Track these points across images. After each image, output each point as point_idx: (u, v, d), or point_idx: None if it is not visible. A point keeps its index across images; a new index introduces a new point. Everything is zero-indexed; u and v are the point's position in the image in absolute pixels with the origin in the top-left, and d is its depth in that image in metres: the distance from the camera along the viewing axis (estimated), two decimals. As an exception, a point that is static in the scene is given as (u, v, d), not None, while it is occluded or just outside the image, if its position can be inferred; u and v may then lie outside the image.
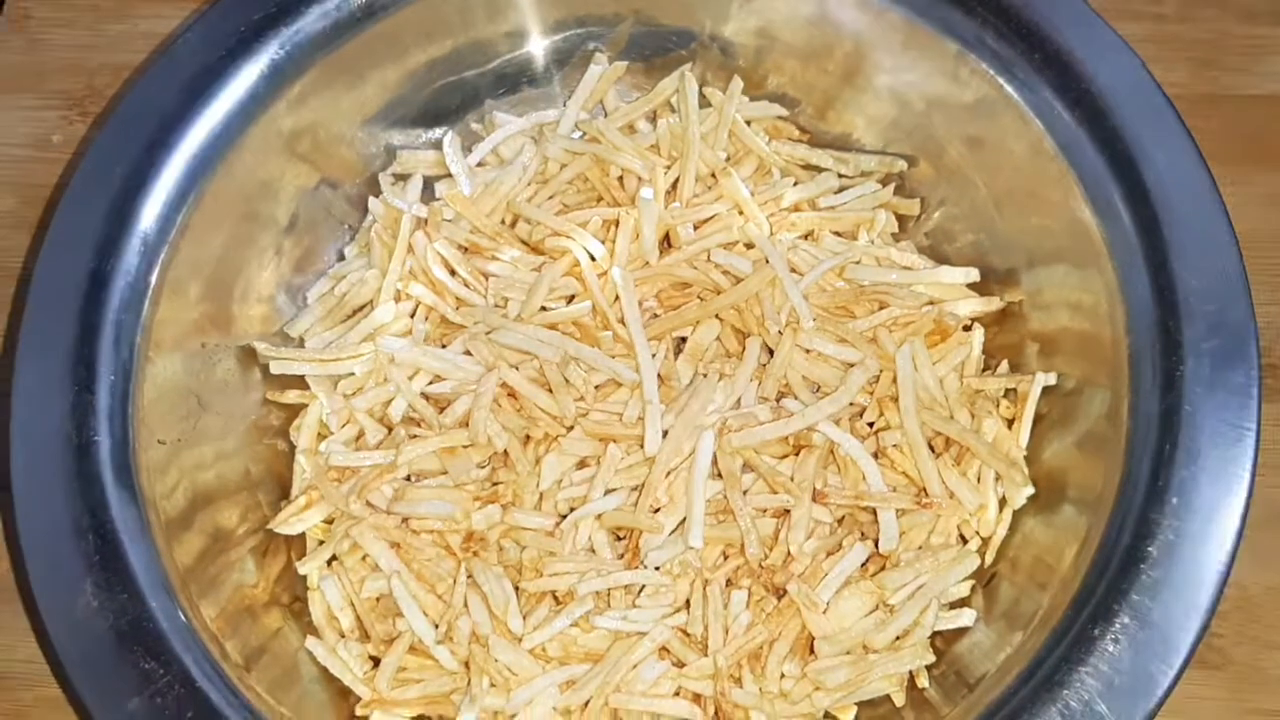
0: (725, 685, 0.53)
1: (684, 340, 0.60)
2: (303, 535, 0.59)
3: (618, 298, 0.59)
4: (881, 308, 0.59)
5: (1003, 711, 0.47)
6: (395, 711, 0.54)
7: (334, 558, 0.58)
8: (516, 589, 0.55)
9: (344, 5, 0.58)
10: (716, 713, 0.53)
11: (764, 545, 0.55)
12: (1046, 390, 0.56)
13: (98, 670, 0.48)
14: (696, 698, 0.54)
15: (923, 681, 0.54)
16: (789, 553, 0.54)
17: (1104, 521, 0.49)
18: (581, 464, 0.57)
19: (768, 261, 0.59)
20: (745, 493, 0.55)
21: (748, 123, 0.64)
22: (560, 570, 0.55)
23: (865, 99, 0.62)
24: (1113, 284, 0.52)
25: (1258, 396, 0.49)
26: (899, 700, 0.53)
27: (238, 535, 0.56)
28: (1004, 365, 0.59)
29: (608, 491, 0.56)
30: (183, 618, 0.50)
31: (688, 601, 0.55)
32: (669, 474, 0.55)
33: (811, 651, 0.54)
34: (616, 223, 0.60)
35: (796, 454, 0.56)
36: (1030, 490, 0.55)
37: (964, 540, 0.57)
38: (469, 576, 0.55)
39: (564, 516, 0.56)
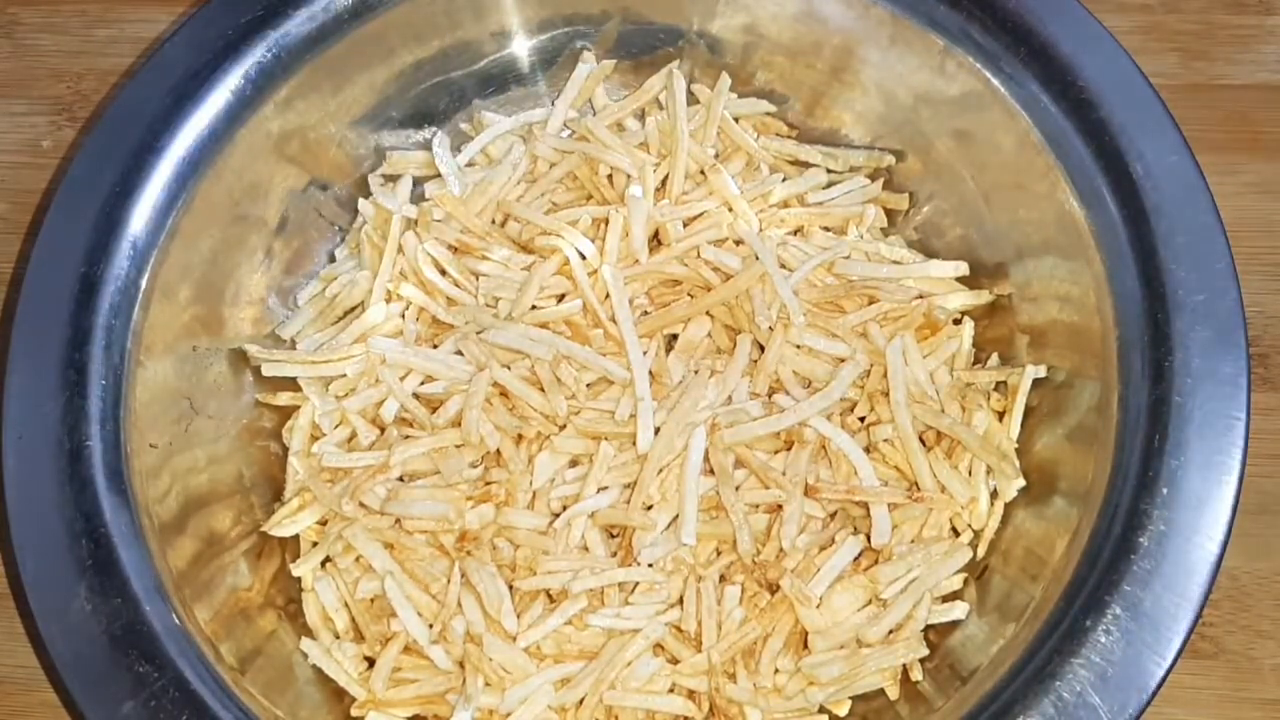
0: (719, 681, 0.53)
1: (675, 337, 0.60)
2: (297, 537, 0.59)
3: (608, 296, 0.59)
4: (871, 303, 0.59)
5: (996, 704, 0.47)
6: (391, 712, 0.54)
7: (328, 559, 0.58)
8: (510, 588, 0.55)
9: (331, 7, 0.58)
10: (711, 709, 0.53)
11: (756, 541, 0.55)
12: (1037, 383, 0.57)
13: (92, 674, 0.48)
14: (691, 694, 0.54)
15: (916, 675, 0.54)
16: (781, 548, 0.54)
17: (1095, 513, 0.50)
18: (574, 462, 0.57)
19: (757, 258, 0.59)
20: (737, 489, 0.55)
21: (736, 120, 0.64)
22: (554, 569, 0.55)
23: (853, 94, 0.62)
24: (1101, 276, 0.52)
25: (1247, 386, 0.49)
26: (893, 694, 0.54)
27: (231, 538, 0.57)
28: (994, 359, 0.59)
29: (600, 489, 0.56)
30: (177, 621, 0.50)
31: (681, 599, 0.55)
32: (661, 471, 0.55)
33: (805, 646, 0.54)
34: (606, 221, 0.60)
35: (788, 449, 0.56)
36: (1021, 483, 0.55)
37: (956, 533, 0.57)
38: (463, 576, 0.55)
39: (557, 515, 0.56)
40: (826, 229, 0.62)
